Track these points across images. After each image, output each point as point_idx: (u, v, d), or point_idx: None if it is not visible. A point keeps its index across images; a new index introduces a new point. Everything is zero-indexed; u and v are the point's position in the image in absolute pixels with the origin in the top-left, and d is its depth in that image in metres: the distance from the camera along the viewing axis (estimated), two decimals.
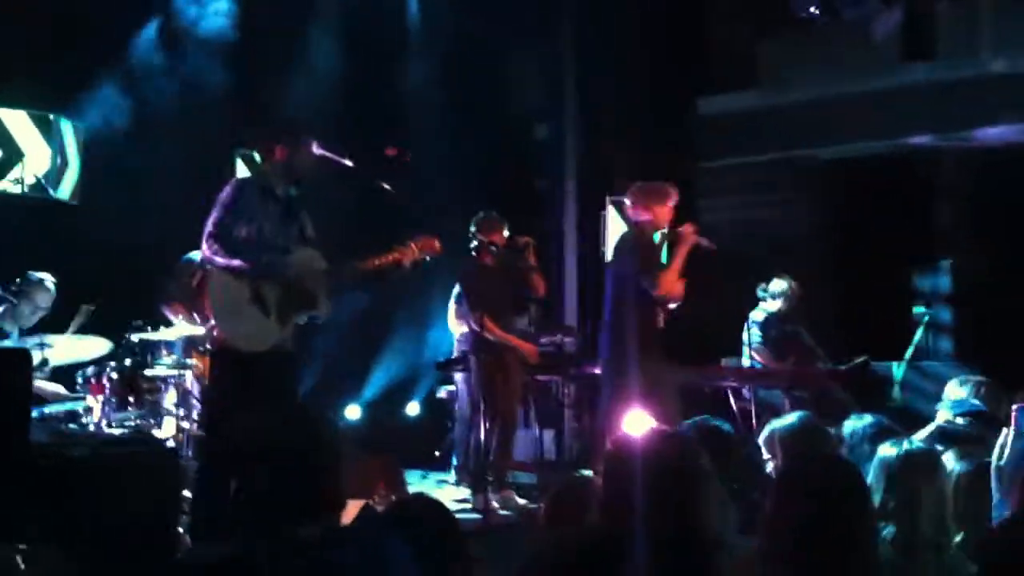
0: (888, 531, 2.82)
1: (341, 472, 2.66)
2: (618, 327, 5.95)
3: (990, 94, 8.96)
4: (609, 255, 6.60)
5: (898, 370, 8.61)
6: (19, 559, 3.27)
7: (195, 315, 5.49)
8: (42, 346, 5.55)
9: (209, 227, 4.59)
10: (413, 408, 8.84)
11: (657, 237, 6.09)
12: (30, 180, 6.02)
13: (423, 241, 5.01)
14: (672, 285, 5.88)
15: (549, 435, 8.06)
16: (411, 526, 2.57)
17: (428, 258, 5.07)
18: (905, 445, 3.05)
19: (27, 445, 3.69)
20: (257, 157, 4.99)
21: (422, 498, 2.81)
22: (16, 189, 5.89)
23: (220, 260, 4.57)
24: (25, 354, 4.14)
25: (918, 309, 8.99)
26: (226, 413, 4.45)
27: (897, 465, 2.98)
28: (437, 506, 2.78)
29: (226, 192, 4.68)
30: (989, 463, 3.15)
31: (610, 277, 6.15)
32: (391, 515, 2.76)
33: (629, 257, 5.99)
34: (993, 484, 3.03)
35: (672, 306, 6.02)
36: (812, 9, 9.43)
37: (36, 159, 6.16)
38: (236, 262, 4.57)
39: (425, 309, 8.13)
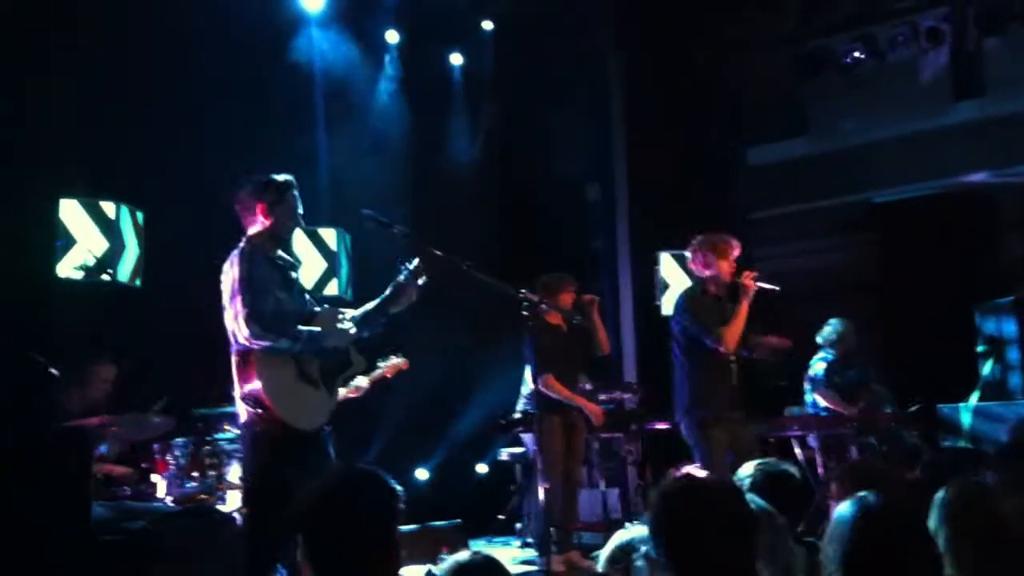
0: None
1: (395, 535, 2.68)
2: (691, 387, 6.02)
3: None
4: (668, 309, 6.64)
5: (966, 411, 8.43)
6: None
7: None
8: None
9: (243, 310, 4.38)
10: (482, 469, 8.80)
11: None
12: (82, 262, 6.14)
13: (413, 270, 4.77)
14: (735, 338, 5.94)
15: (614, 494, 8.00)
16: None
17: (421, 283, 4.79)
18: (953, 485, 2.98)
19: (86, 521, 3.71)
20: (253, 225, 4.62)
21: (479, 557, 2.81)
22: (78, 275, 6.02)
23: (264, 343, 4.40)
24: (83, 433, 4.17)
25: (981, 348, 8.84)
26: (278, 483, 4.28)
27: (944, 506, 2.91)
28: (494, 564, 2.78)
29: (238, 268, 4.44)
30: None
31: (673, 332, 6.21)
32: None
33: (687, 315, 6.08)
34: None
35: (733, 357, 6.03)
36: (856, 54, 9.41)
37: (91, 245, 6.30)
38: (283, 342, 4.45)
39: (500, 368, 8.11)
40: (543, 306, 6.38)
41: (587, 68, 9.40)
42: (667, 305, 7.89)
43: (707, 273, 6.12)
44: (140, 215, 6.42)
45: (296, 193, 4.68)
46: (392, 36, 8.75)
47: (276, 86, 7.47)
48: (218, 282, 4.53)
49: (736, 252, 6.15)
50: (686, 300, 6.18)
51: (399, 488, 2.64)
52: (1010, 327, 8.78)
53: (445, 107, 9.19)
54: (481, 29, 9.16)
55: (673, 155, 9.29)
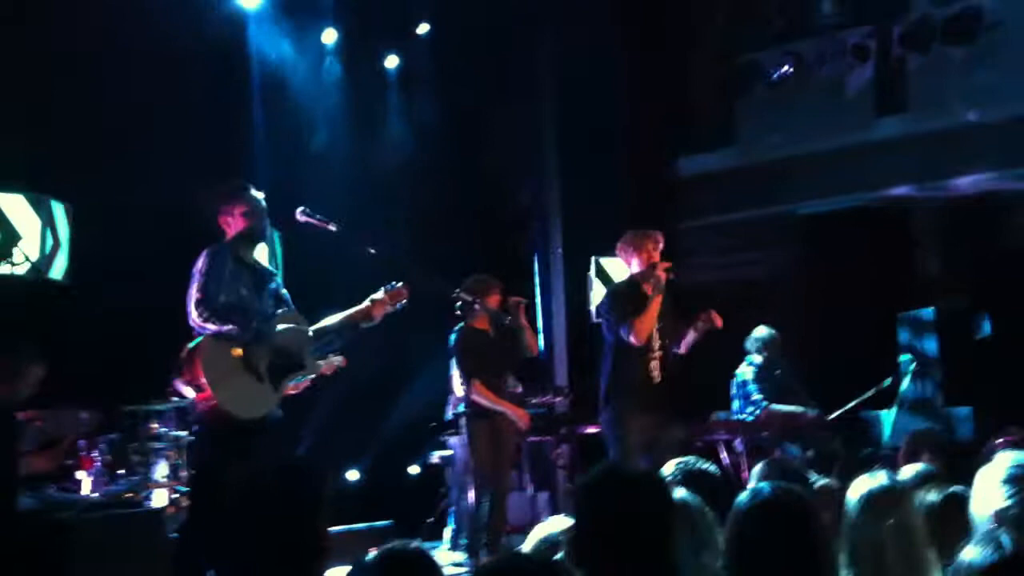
0: (860, 570, 2.83)
1: (324, 522, 2.69)
2: (611, 380, 6.10)
3: (962, 144, 9.15)
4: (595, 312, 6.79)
5: (887, 417, 8.68)
6: None
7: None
8: None
9: (195, 295, 4.60)
10: (415, 471, 8.78)
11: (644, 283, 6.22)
12: (23, 260, 6.07)
13: (393, 291, 5.07)
14: (647, 330, 6.03)
15: (543, 497, 8.06)
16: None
17: (399, 306, 5.12)
18: (869, 481, 3.06)
19: (12, 511, 3.69)
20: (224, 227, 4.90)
21: (409, 547, 2.83)
22: (18, 271, 5.93)
23: (212, 327, 4.57)
24: (8, 422, 4.14)
25: (904, 358, 9.09)
26: (219, 478, 4.39)
27: (862, 502, 3.00)
28: (423, 556, 2.80)
29: (203, 260, 4.68)
30: (959, 493, 3.17)
31: (602, 327, 6.33)
32: (378, 565, 2.78)
33: (607, 306, 6.24)
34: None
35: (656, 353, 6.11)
36: (785, 68, 9.63)
37: (31, 241, 6.23)
38: (229, 327, 4.59)
39: (433, 368, 8.12)
40: (476, 307, 6.43)
41: (521, 74, 9.47)
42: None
43: (633, 268, 6.27)
44: (64, 208, 6.34)
45: (261, 197, 4.91)
46: (329, 36, 8.75)
47: (211, 85, 7.41)
48: (146, 275, 4.66)
49: (660, 246, 6.29)
50: (611, 293, 6.36)
51: (329, 482, 2.66)
52: (931, 341, 9.07)
53: (382, 108, 9.20)
54: (416, 32, 9.20)
55: (604, 161, 9.39)
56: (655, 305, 6.06)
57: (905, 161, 9.41)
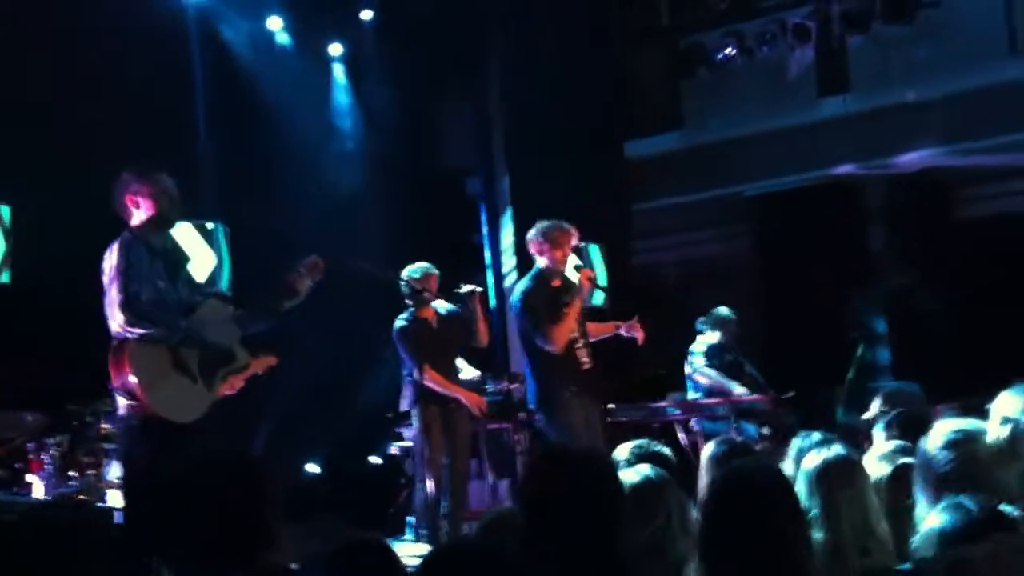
0: (817, 538, 2.86)
1: (270, 509, 2.65)
2: (539, 374, 5.99)
3: (905, 122, 9.28)
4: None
5: (841, 393, 8.78)
6: None
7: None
8: None
9: (116, 297, 4.34)
10: (376, 461, 8.71)
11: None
12: None
13: (309, 264, 4.83)
14: (564, 336, 5.86)
15: (504, 484, 8.05)
16: (356, 566, 2.56)
17: (318, 279, 4.85)
18: (824, 453, 3.10)
19: None
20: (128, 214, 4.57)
21: (369, 538, 2.80)
22: None
23: (138, 330, 4.34)
24: None
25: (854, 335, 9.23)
26: (155, 474, 4.22)
27: (816, 473, 3.03)
28: (383, 547, 2.77)
29: (116, 257, 4.40)
30: (907, 465, 3.21)
31: (516, 326, 6.16)
32: (335, 556, 2.74)
33: (523, 308, 5.97)
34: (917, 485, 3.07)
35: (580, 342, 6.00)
36: (728, 50, 9.69)
37: None
38: (155, 330, 4.38)
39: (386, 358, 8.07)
40: (425, 294, 6.40)
41: (466, 60, 9.44)
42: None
43: (544, 262, 6.04)
44: (5, 210, 6.21)
45: (172, 180, 4.62)
46: (275, 23, 8.66)
47: (154, 77, 7.28)
48: (90, 276, 4.46)
49: (573, 241, 6.09)
50: (523, 293, 6.03)
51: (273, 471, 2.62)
52: (879, 310, 9.20)
53: (329, 96, 9.11)
54: (361, 20, 9.13)
55: (552, 148, 9.38)
56: (573, 312, 5.89)
57: (848, 140, 9.52)
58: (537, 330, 5.87)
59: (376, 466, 8.54)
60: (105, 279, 4.42)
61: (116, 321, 4.35)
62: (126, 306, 4.31)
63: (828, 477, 3.00)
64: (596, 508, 2.57)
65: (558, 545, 2.51)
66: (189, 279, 4.80)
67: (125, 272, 4.35)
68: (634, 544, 2.67)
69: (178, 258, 4.79)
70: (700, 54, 9.95)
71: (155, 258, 4.52)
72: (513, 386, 8.10)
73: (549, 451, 2.77)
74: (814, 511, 2.93)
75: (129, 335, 4.35)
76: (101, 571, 4.05)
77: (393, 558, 2.58)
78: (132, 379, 4.32)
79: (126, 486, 4.60)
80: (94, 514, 4.48)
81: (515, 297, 6.12)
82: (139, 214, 4.56)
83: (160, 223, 4.62)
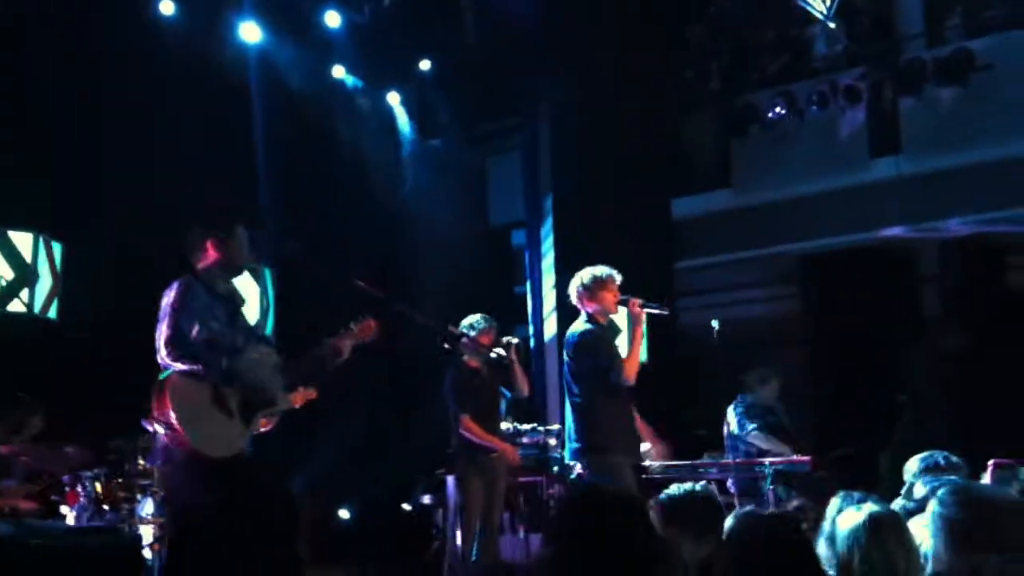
0: None
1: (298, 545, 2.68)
2: (590, 419, 5.93)
3: (956, 185, 9.18)
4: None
5: (885, 458, 8.60)
6: None
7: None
8: None
9: (165, 332, 4.53)
10: (407, 508, 8.69)
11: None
12: (28, 299, 6.11)
13: (362, 325, 5.03)
14: (635, 367, 5.88)
15: (536, 538, 7.97)
16: None
17: (367, 341, 5.05)
18: (868, 509, 3.06)
19: None
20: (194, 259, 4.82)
21: None
22: (19, 308, 5.98)
23: (182, 365, 4.51)
24: None
25: (903, 397, 9.06)
26: (197, 519, 4.39)
27: (865, 530, 2.99)
28: None
29: (174, 295, 4.61)
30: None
31: (569, 370, 6.04)
32: None
33: (584, 352, 5.92)
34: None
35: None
36: (778, 110, 9.69)
37: (43, 281, 6.29)
38: (199, 367, 4.52)
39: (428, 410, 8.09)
40: (465, 340, 6.43)
41: (518, 116, 9.55)
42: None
43: (593, 307, 6.00)
44: (58, 247, 6.38)
45: (247, 233, 4.86)
46: (338, 71, 8.78)
47: (216, 123, 7.42)
48: (136, 315, 4.68)
49: (618, 281, 6.03)
50: (580, 337, 5.96)
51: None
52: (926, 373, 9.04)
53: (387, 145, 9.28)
54: (419, 69, 9.29)
55: (600, 204, 9.42)
56: (638, 342, 5.91)
57: (899, 202, 9.44)
58: (610, 366, 5.82)
59: (408, 515, 8.53)
60: (160, 314, 4.62)
61: (161, 355, 4.53)
62: (171, 341, 4.50)
63: (880, 530, 2.97)
64: (628, 546, 2.56)
65: None
66: (246, 325, 4.92)
67: (178, 310, 4.55)
68: None
69: (237, 303, 4.91)
70: (751, 114, 9.98)
71: (215, 301, 4.73)
72: (550, 440, 8.07)
73: (583, 489, 2.78)
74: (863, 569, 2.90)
75: (173, 369, 4.51)
76: None
77: None
78: (172, 412, 4.47)
79: (169, 520, 4.71)
80: (123, 541, 4.53)
81: (573, 338, 6.01)
82: (208, 258, 4.79)
83: (228, 270, 4.86)
